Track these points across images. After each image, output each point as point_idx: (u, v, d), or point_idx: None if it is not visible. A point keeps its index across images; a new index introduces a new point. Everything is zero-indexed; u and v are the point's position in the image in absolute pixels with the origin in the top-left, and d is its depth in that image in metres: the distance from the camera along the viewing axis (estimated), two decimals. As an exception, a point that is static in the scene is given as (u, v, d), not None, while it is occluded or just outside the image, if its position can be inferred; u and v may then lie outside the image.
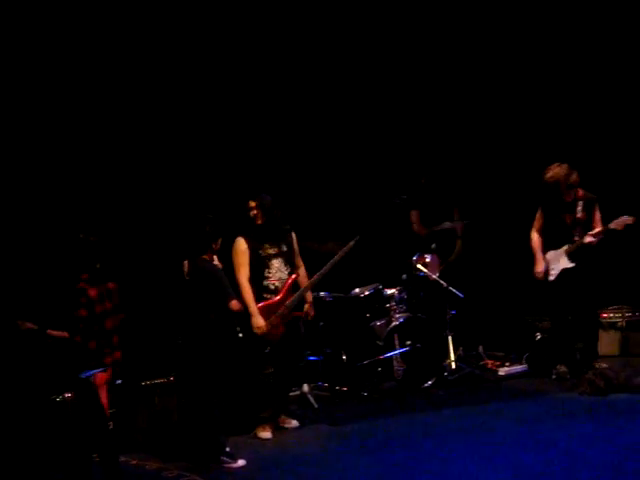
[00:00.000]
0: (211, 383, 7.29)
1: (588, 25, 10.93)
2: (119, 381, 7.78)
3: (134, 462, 7.30)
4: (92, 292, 7.55)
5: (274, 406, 8.11)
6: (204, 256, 7.54)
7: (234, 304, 7.41)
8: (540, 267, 9.29)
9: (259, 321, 7.89)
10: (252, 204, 8.11)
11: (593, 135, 11.02)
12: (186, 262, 7.55)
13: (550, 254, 9.24)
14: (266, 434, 7.97)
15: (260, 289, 8.06)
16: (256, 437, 7.96)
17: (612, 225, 8.91)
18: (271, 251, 8.13)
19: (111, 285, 7.71)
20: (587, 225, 9.06)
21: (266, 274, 8.09)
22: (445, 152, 11.31)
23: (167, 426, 7.91)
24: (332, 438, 7.80)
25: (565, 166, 9.05)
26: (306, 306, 8.31)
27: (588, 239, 8.99)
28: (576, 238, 9.06)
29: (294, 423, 8.26)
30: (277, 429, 8.08)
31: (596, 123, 11.06)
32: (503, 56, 11.20)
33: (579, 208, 9.06)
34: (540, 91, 11.21)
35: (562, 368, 9.26)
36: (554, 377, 9.31)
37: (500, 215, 11.04)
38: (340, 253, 8.15)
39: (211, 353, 7.31)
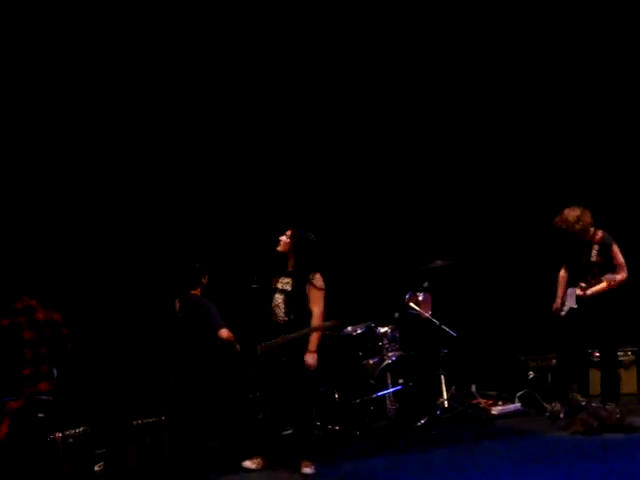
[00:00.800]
0: (203, 421, 7.28)
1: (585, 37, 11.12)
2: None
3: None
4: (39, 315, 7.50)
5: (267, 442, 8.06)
6: (193, 291, 7.58)
7: (223, 332, 7.46)
8: (556, 304, 9.40)
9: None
10: (288, 232, 8.12)
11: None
12: (177, 300, 7.57)
13: (569, 291, 9.31)
14: (252, 465, 7.96)
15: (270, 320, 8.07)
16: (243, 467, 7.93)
17: (604, 286, 8.98)
18: (278, 285, 8.11)
19: (56, 316, 7.67)
20: (605, 266, 9.09)
21: (272, 306, 8.07)
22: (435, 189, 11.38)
23: (158, 465, 7.88)
24: (323, 478, 7.74)
25: (577, 209, 9.10)
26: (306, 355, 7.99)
27: (579, 292, 9.11)
28: (589, 278, 9.11)
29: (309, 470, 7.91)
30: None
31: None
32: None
33: (594, 252, 9.09)
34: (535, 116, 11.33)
35: (557, 406, 9.24)
36: (548, 415, 9.30)
37: (492, 253, 11.06)
38: (319, 327, 7.97)
39: (203, 391, 7.31)
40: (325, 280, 8.06)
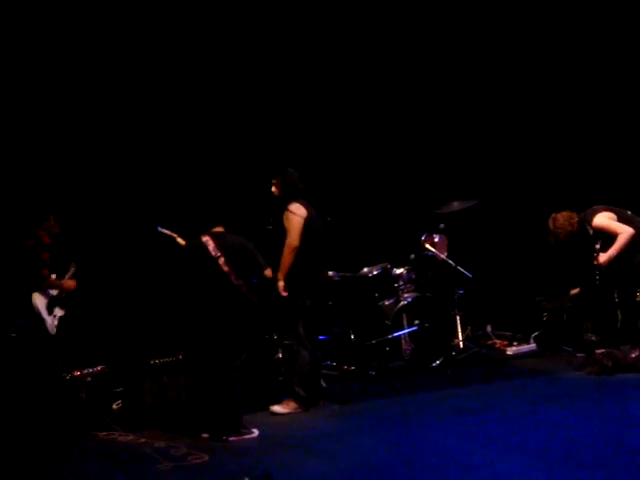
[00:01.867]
0: (230, 357, 7.30)
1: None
2: None
3: (142, 440, 7.32)
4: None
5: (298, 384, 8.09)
6: (219, 228, 7.60)
7: (269, 272, 7.68)
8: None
9: None
10: (273, 181, 8.23)
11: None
12: (207, 238, 7.53)
13: None
14: (281, 409, 8.03)
15: None
16: (270, 412, 8.00)
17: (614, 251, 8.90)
18: None
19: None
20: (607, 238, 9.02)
21: None
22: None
23: (175, 404, 7.96)
24: (340, 416, 7.81)
25: (565, 215, 9.08)
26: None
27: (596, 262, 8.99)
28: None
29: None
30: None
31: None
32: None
33: (597, 246, 9.00)
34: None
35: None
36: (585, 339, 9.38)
37: (509, 194, 11.04)
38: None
39: (227, 330, 7.34)
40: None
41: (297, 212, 8.03)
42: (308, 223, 8.05)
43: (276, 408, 8.05)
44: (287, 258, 7.97)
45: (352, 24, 10.75)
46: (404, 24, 10.98)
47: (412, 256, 9.93)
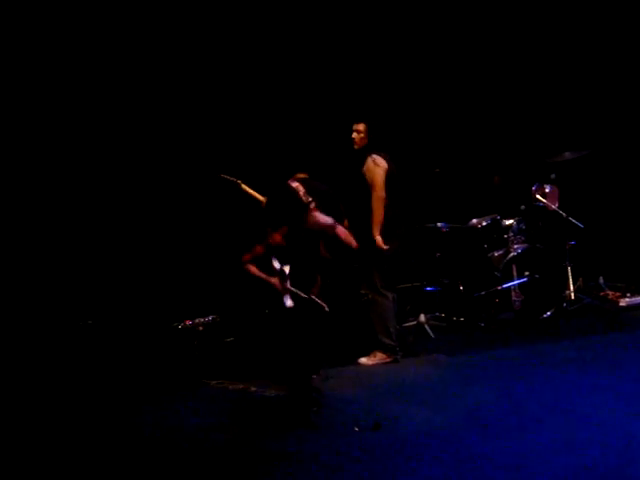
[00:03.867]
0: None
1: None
2: None
3: (253, 389, 7.38)
4: None
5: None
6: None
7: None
8: None
9: None
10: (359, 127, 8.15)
11: None
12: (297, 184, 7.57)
13: None
14: (369, 361, 8.05)
15: None
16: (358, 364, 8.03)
17: None
18: None
19: None
20: None
21: None
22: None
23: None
24: (448, 368, 7.79)
25: None
26: None
27: None
28: None
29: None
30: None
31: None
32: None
33: None
34: None
35: None
36: None
37: (622, 145, 10.79)
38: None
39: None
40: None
41: (380, 164, 7.99)
42: (389, 175, 8.02)
43: (363, 360, 8.07)
44: (378, 211, 7.94)
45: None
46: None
47: (522, 207, 9.82)
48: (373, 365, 8.00)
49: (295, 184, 7.59)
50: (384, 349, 8.04)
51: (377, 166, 7.98)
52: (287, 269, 7.36)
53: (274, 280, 7.42)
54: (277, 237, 7.38)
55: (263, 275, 7.10)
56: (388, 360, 8.02)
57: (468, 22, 10.77)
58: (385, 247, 7.89)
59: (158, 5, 9.49)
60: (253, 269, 6.80)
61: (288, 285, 6.81)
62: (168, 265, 9.17)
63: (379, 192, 7.94)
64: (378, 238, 7.88)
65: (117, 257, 9.10)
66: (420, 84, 10.65)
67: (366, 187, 8.01)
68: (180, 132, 9.57)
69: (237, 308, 8.35)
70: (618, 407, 6.10)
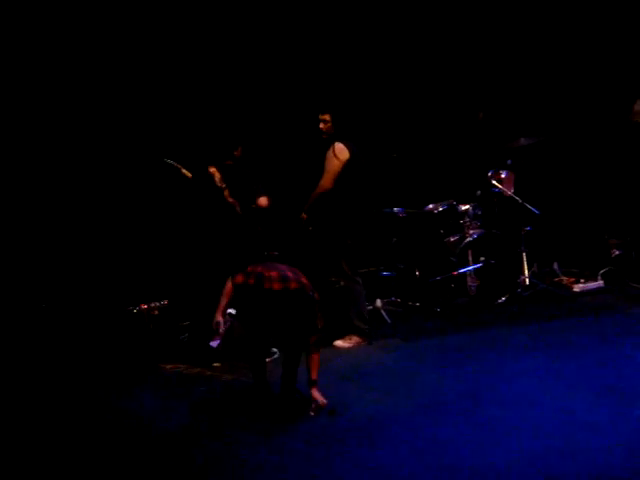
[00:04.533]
0: None
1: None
2: None
3: (209, 373, 7.40)
4: None
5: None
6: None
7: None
8: None
9: None
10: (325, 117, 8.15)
11: None
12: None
13: None
14: (345, 344, 8.08)
15: None
16: (333, 347, 8.03)
17: None
18: None
19: None
20: None
21: None
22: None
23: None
24: (404, 353, 7.80)
25: None
26: None
27: None
28: None
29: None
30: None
31: None
32: None
33: None
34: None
35: None
36: None
37: (577, 131, 10.84)
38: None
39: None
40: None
41: (340, 156, 8.00)
42: (348, 166, 8.02)
43: (339, 343, 8.10)
44: (315, 195, 8.07)
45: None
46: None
47: (478, 192, 9.85)
48: (349, 348, 8.03)
49: (212, 169, 7.80)
50: (359, 333, 8.10)
51: (336, 157, 7.99)
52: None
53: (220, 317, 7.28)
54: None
55: (224, 301, 7.01)
56: (363, 343, 8.09)
57: (424, 7, 10.76)
58: (304, 218, 8.11)
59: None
60: (228, 289, 6.68)
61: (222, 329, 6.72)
62: (123, 248, 9.11)
63: (326, 182, 8.03)
64: (303, 215, 8.08)
65: (72, 240, 9.02)
66: (378, 68, 10.63)
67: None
68: (132, 115, 9.53)
69: (192, 292, 8.29)
70: (570, 392, 6.16)
